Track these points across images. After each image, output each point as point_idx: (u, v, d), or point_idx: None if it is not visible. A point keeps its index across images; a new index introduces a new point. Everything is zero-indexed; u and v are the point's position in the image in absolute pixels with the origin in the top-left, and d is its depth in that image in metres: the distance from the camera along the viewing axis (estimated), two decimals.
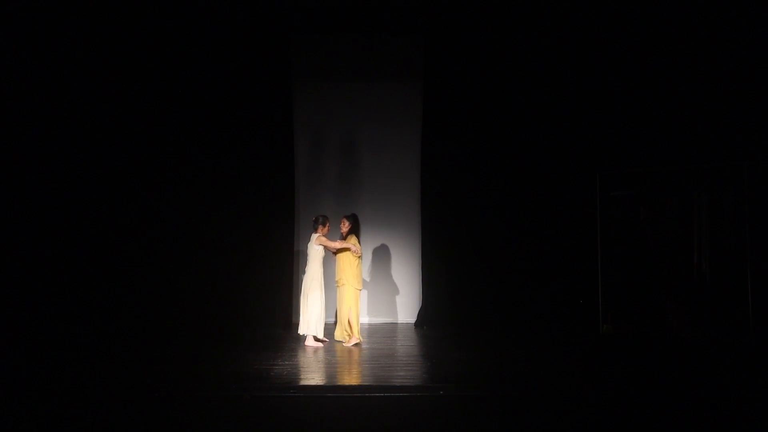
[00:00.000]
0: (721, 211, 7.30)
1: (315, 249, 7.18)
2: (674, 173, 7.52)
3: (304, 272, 7.26)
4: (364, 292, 8.76)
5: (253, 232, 8.44)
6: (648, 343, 7.18)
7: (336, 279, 7.35)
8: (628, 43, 8.01)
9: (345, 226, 7.34)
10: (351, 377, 5.73)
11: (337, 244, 7.21)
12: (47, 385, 5.16)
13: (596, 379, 5.55)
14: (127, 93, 8.38)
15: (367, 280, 8.94)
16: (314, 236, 7.20)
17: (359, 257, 7.28)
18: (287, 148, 8.63)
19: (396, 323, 9.01)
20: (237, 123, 8.53)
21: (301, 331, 7.12)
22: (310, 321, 7.06)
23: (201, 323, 8.15)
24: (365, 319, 8.92)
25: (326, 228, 7.25)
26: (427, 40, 8.73)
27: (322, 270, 7.20)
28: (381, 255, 9.12)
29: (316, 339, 7.14)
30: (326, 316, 7.38)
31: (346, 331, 7.24)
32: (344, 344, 7.13)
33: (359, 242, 7.33)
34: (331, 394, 5.06)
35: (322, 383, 5.43)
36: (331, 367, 6.04)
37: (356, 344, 7.12)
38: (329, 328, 7.57)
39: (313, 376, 5.67)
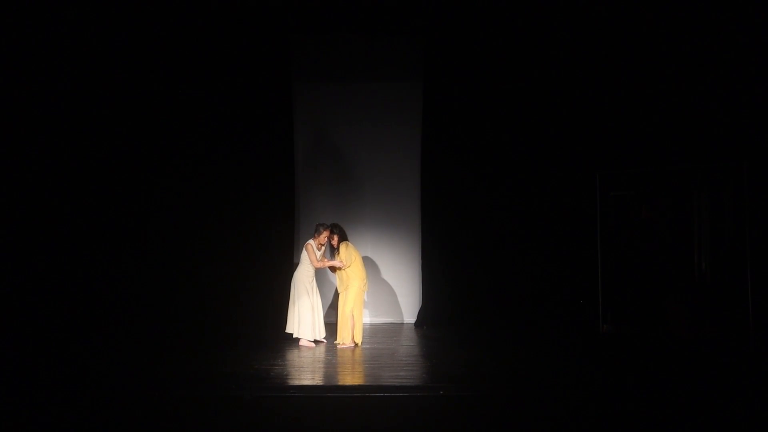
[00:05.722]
0: (721, 211, 7.29)
1: (303, 254, 7.21)
2: (674, 173, 7.51)
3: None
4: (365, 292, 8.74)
5: (254, 231, 8.41)
6: (648, 343, 7.17)
7: (340, 280, 7.31)
8: (627, 42, 7.99)
9: (335, 239, 7.20)
10: (351, 377, 5.74)
11: (318, 264, 7.13)
12: (47, 386, 5.16)
13: (596, 379, 5.55)
14: (127, 93, 8.35)
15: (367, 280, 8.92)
16: (308, 242, 7.20)
17: (354, 261, 7.20)
18: (287, 148, 8.62)
19: (396, 323, 9.00)
20: (237, 123, 8.51)
21: (288, 329, 7.17)
22: (300, 324, 7.09)
23: (201, 324, 8.12)
24: (366, 319, 8.87)
25: (321, 237, 7.17)
26: (427, 40, 8.71)
27: (311, 274, 7.20)
28: (381, 255, 9.11)
29: (309, 341, 7.14)
30: (324, 316, 7.42)
31: (346, 331, 7.19)
32: (340, 345, 7.07)
33: (349, 244, 7.23)
34: (331, 394, 5.06)
35: (322, 383, 5.44)
36: (330, 367, 6.05)
37: (351, 346, 7.08)
38: (329, 329, 7.56)
39: (313, 376, 5.67)
